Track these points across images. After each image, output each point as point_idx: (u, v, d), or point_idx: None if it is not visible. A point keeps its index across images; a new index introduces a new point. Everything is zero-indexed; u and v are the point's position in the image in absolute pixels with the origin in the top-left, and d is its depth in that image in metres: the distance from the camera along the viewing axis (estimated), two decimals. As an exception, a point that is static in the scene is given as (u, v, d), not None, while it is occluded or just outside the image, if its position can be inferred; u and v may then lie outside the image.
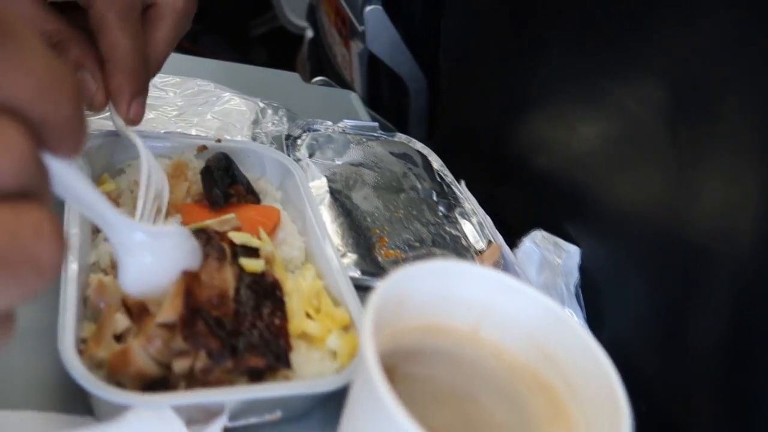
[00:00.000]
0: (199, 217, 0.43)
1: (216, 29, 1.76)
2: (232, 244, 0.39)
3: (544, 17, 0.58)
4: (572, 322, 0.30)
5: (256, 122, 0.61)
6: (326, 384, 0.34)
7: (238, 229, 0.41)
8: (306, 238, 0.45)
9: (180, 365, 0.32)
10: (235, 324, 0.34)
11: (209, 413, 0.32)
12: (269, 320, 0.35)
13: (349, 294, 0.40)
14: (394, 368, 0.32)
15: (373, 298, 0.28)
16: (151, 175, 0.38)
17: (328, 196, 0.55)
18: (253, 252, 0.39)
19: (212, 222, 0.41)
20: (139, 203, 0.38)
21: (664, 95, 0.44)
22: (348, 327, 0.39)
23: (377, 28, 0.81)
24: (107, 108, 0.41)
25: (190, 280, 0.34)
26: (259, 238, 0.41)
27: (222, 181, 0.44)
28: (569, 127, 0.56)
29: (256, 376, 0.34)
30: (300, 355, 0.36)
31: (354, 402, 0.30)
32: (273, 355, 0.34)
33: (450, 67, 0.76)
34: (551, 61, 0.58)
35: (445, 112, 0.81)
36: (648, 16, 0.46)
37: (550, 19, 0.57)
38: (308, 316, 0.39)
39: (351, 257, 0.49)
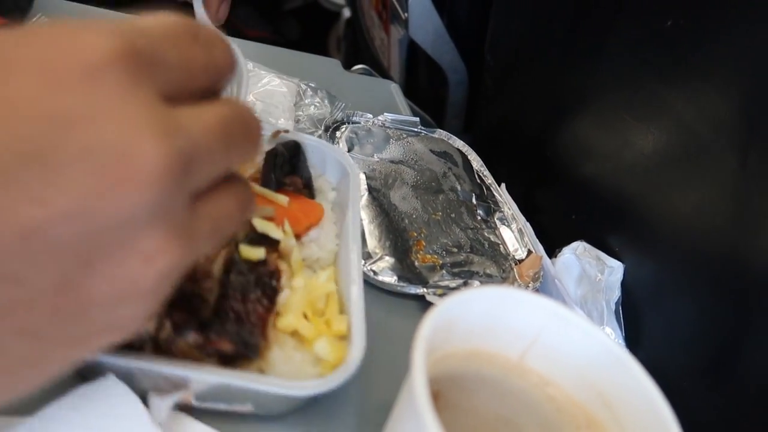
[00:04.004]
0: None
1: (250, 5, 1.74)
2: (252, 229, 0.38)
3: (601, 18, 0.55)
4: (631, 362, 0.29)
5: (297, 104, 0.59)
6: (296, 388, 0.32)
7: (269, 218, 0.40)
8: (340, 241, 0.44)
9: (145, 325, 0.31)
10: (216, 305, 0.33)
11: (175, 385, 0.32)
12: (251, 307, 0.34)
13: (357, 305, 0.37)
14: (438, 395, 0.31)
15: (424, 327, 0.26)
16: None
17: (366, 195, 0.53)
18: (271, 243, 0.38)
19: None
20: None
21: (730, 113, 0.42)
22: (343, 338, 0.37)
23: (421, 16, 0.79)
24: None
25: None
26: (284, 230, 0.40)
27: (281, 168, 0.43)
28: (620, 136, 0.53)
29: (227, 360, 0.33)
30: (282, 352, 0.35)
31: (396, 426, 0.29)
32: (243, 342, 0.33)
33: (495, 62, 0.73)
34: (605, 64, 0.56)
35: (485, 107, 0.78)
36: (720, 28, 0.43)
37: (607, 21, 0.54)
38: (306, 317, 0.38)
39: (388, 261, 0.48)
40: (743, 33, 0.40)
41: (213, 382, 0.32)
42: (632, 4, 0.52)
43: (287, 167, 0.43)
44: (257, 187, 0.42)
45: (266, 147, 0.45)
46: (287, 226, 0.40)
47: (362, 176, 0.55)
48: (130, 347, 0.31)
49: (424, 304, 0.47)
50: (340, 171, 0.47)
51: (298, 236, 0.41)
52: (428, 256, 0.50)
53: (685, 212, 0.47)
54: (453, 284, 0.48)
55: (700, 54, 0.44)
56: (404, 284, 0.47)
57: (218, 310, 0.33)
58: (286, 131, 0.46)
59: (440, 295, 0.47)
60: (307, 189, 0.44)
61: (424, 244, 0.51)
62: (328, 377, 0.33)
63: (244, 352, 0.32)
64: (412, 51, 0.91)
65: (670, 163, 0.48)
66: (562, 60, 0.62)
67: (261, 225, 0.38)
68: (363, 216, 0.51)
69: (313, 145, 0.47)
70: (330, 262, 0.43)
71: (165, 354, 0.32)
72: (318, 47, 1.69)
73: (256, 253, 0.36)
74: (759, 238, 0.39)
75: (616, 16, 0.54)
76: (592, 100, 0.58)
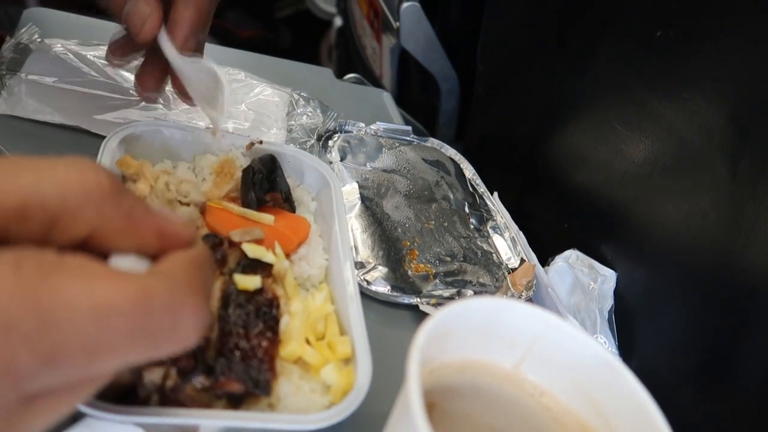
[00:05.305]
0: (223, 220, 0.41)
1: (240, 7, 1.74)
2: (243, 255, 0.37)
3: (592, 28, 0.56)
4: (624, 371, 0.29)
5: (289, 114, 0.59)
6: (308, 422, 0.32)
7: (259, 240, 0.40)
8: (329, 256, 0.43)
9: (150, 376, 0.31)
10: (218, 343, 0.33)
11: (184, 431, 0.31)
12: (256, 342, 0.33)
13: (358, 325, 0.37)
14: (433, 406, 0.31)
15: (419, 339, 0.26)
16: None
17: (359, 204, 0.53)
18: (264, 267, 0.38)
19: (234, 232, 0.39)
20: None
21: (721, 124, 0.42)
22: (348, 360, 0.37)
23: (413, 25, 0.79)
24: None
25: None
26: (275, 252, 0.39)
27: (260, 186, 0.42)
28: (612, 145, 0.54)
29: (235, 400, 0.32)
30: (290, 384, 0.34)
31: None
32: (252, 380, 0.32)
33: (486, 70, 0.73)
34: (597, 74, 0.56)
35: (477, 115, 0.79)
36: (708, 38, 0.43)
37: (598, 31, 0.55)
38: (308, 342, 0.37)
39: (381, 270, 0.48)
40: (732, 43, 0.41)
41: (226, 426, 0.31)
42: (622, 14, 0.53)
43: (266, 184, 0.42)
44: (240, 209, 0.41)
45: (243, 162, 0.45)
46: (278, 248, 0.39)
47: (355, 185, 0.55)
48: (136, 400, 0.30)
49: (417, 314, 0.47)
50: (320, 180, 0.47)
51: (287, 255, 0.40)
52: (421, 266, 0.50)
53: (677, 221, 0.47)
54: (446, 293, 0.48)
55: (690, 64, 0.44)
56: (398, 294, 0.47)
57: (222, 349, 0.32)
58: (260, 142, 0.46)
59: (433, 305, 0.47)
60: (287, 203, 0.44)
61: (417, 253, 0.51)
62: (339, 407, 0.33)
63: (254, 391, 0.32)
64: (404, 60, 0.91)
65: (662, 172, 0.48)
66: (554, 69, 0.62)
67: (252, 250, 0.37)
68: (356, 225, 0.51)
69: (291, 155, 0.47)
70: (321, 278, 0.42)
71: (172, 402, 0.31)
72: (310, 55, 1.69)
73: (253, 282, 0.35)
74: (750, 246, 0.40)
75: (607, 26, 0.54)
76: (584, 109, 0.58)
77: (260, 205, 0.43)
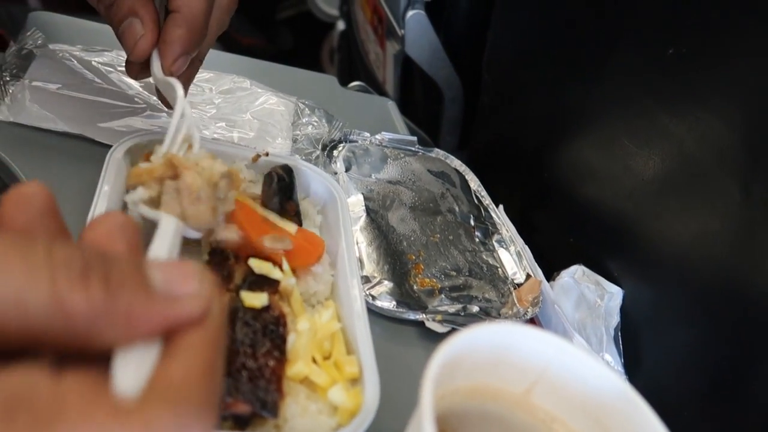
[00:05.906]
0: (250, 220, 0.40)
1: (241, 9, 1.72)
2: (249, 271, 0.37)
3: (602, 41, 0.55)
4: (638, 399, 0.28)
5: (294, 123, 0.59)
6: None
7: (287, 252, 0.39)
8: (335, 272, 0.43)
9: None
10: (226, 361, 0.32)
11: None
12: (263, 361, 0.33)
13: (365, 344, 0.37)
14: (444, 433, 0.30)
15: (432, 369, 0.26)
16: (183, 117, 0.37)
17: (364, 216, 0.53)
18: (270, 284, 0.37)
19: (266, 238, 0.38)
20: (167, 140, 0.36)
21: (734, 145, 0.42)
22: (356, 380, 0.36)
23: (418, 33, 0.79)
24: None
25: None
26: (282, 268, 0.38)
27: (283, 193, 0.42)
28: (620, 159, 0.53)
29: (242, 422, 0.32)
30: (297, 405, 0.34)
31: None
32: (260, 401, 0.31)
33: (492, 80, 0.73)
34: (606, 87, 0.56)
35: (481, 125, 0.78)
36: (722, 57, 0.43)
37: (609, 45, 0.54)
38: (315, 361, 0.36)
39: (386, 285, 0.48)
40: (746, 64, 0.40)
41: None
42: (634, 29, 0.52)
43: (288, 193, 0.42)
44: (266, 213, 0.40)
45: (246, 174, 0.45)
46: (285, 264, 0.39)
47: (360, 197, 0.54)
48: None
49: (423, 330, 0.47)
50: (326, 193, 0.47)
51: (294, 271, 0.40)
52: (427, 280, 0.50)
53: (685, 239, 0.47)
54: (452, 309, 0.48)
55: (703, 83, 0.44)
56: (403, 310, 0.46)
57: (229, 368, 0.31)
58: (266, 154, 0.46)
59: (439, 321, 0.46)
60: (296, 216, 0.43)
61: (422, 267, 0.51)
62: (347, 429, 0.32)
63: (262, 413, 0.31)
64: (408, 66, 0.90)
65: (672, 190, 0.48)
66: (562, 81, 0.62)
67: (259, 266, 0.37)
68: (361, 238, 0.51)
69: (297, 167, 0.47)
70: (326, 294, 0.42)
71: None
72: (311, 57, 1.69)
73: (260, 299, 0.35)
74: (760, 269, 0.39)
75: (617, 40, 0.54)
76: (592, 122, 0.58)
77: (281, 213, 0.42)
